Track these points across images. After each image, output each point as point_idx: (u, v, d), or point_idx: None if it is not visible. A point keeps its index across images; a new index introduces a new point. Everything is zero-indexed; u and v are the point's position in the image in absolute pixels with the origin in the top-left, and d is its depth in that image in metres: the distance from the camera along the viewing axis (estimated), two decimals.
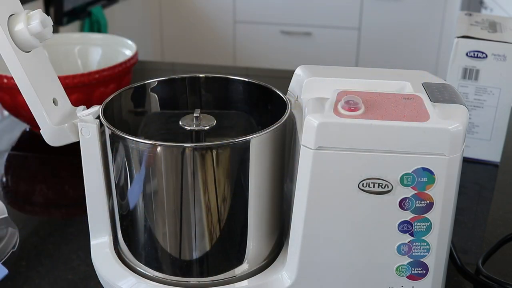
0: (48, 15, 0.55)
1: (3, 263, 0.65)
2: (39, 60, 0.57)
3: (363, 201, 0.52)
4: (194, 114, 0.57)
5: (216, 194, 0.53)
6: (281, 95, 0.59)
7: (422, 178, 0.51)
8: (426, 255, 0.54)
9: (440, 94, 0.55)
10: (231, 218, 0.55)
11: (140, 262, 0.58)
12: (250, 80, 0.61)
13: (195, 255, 0.55)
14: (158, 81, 0.62)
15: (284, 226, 0.61)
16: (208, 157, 0.51)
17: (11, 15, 0.54)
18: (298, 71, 0.62)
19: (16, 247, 0.67)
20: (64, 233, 0.71)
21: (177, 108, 0.64)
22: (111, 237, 0.61)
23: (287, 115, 0.55)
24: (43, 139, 0.57)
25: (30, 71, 0.55)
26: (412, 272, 0.55)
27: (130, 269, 0.58)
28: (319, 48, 2.84)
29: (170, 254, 0.56)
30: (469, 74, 0.84)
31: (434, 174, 0.51)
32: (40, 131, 0.57)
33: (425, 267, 0.55)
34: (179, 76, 0.63)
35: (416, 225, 0.53)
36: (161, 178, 0.52)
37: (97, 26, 2.35)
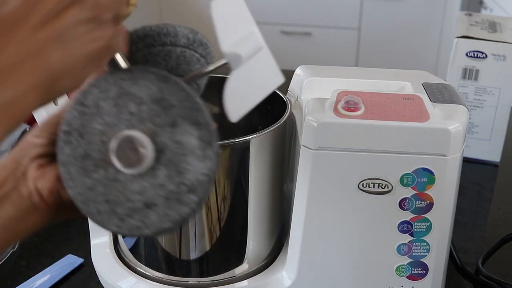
0: None
1: (3, 263, 0.65)
2: None
3: (363, 201, 0.52)
4: None
5: (216, 194, 0.53)
6: (281, 95, 0.59)
7: (422, 178, 0.51)
8: (426, 255, 0.54)
9: (440, 94, 0.55)
10: (231, 218, 0.55)
11: (140, 262, 0.58)
12: None
13: (195, 255, 0.55)
14: None
15: (284, 226, 0.61)
16: None
17: None
18: (298, 71, 0.62)
19: (16, 247, 0.67)
20: (64, 233, 0.71)
21: None
22: (111, 237, 0.61)
23: (287, 115, 0.55)
24: None
25: None
26: (412, 272, 0.55)
27: (130, 269, 0.58)
28: (319, 48, 2.84)
29: (170, 254, 0.55)
30: (469, 74, 0.84)
31: (434, 174, 0.51)
32: None
33: (425, 267, 0.55)
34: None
35: (416, 225, 0.53)
36: None
37: None
